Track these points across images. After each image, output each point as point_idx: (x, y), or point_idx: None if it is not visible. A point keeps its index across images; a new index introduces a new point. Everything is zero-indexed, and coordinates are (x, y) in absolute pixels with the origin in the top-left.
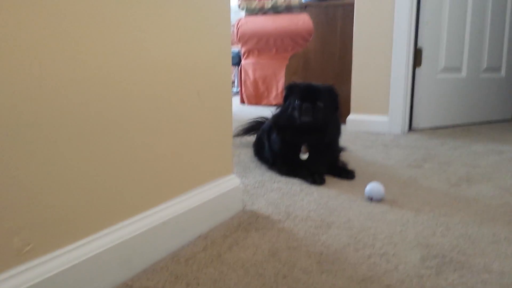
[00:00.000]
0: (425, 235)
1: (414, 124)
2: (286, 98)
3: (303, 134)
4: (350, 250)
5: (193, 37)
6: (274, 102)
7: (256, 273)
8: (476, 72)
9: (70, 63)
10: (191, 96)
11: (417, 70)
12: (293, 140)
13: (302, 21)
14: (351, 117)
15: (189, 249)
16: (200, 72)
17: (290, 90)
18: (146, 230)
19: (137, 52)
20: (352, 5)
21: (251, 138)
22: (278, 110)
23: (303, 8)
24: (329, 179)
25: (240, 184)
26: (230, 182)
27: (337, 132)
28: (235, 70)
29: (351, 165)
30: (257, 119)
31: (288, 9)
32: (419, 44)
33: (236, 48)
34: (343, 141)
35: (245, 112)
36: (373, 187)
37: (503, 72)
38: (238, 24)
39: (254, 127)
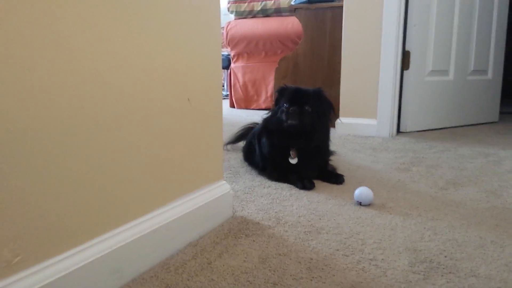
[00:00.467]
0: (413, 239)
1: (402, 127)
2: (277, 101)
3: (291, 138)
4: (340, 256)
5: (184, 42)
6: (263, 106)
7: (246, 281)
8: (463, 74)
9: (60, 68)
10: (181, 102)
11: (405, 73)
12: (281, 144)
13: (291, 24)
14: (340, 121)
15: (179, 257)
16: (190, 78)
17: (281, 94)
18: (136, 239)
19: (127, 58)
20: (341, 8)
21: (241, 143)
22: (269, 113)
23: (292, 11)
24: (318, 183)
25: (230, 190)
26: (220, 188)
27: (325, 137)
28: (224, 73)
29: (340, 169)
30: (249, 125)
31: (277, 12)
32: (407, 47)
33: (225, 52)
34: (332, 145)
35: (235, 116)
36: (362, 191)
37: (489, 74)
38: (227, 27)
39: (246, 133)
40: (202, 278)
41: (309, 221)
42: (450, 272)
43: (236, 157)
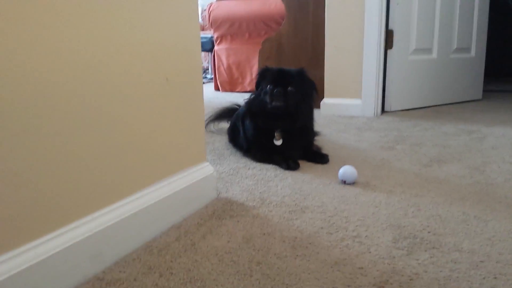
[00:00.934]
0: (397, 216)
1: (386, 107)
2: (258, 83)
3: (275, 120)
4: (324, 234)
5: (161, 20)
6: (248, 88)
7: (230, 261)
8: (447, 53)
9: (29, 45)
10: (160, 83)
11: (388, 52)
12: (265, 125)
13: (275, 4)
14: (325, 101)
15: (162, 239)
16: (168, 57)
17: (263, 75)
18: (117, 222)
19: (102, 34)
20: None
21: (226, 125)
22: (252, 96)
23: None
24: (303, 163)
25: (214, 172)
26: (204, 170)
27: (310, 117)
28: (208, 56)
29: (325, 149)
30: (230, 106)
31: None
32: (390, 26)
33: (209, 34)
34: (317, 125)
35: (220, 99)
36: (346, 170)
37: (473, 52)
38: (209, 8)
39: (226, 113)
40: (186, 259)
41: (294, 201)
42: (433, 247)
43: (220, 139)
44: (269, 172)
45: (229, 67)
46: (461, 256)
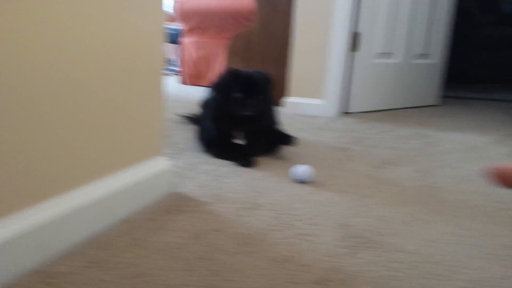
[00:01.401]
0: (346, 215)
1: (348, 108)
2: (223, 86)
3: (241, 124)
4: (274, 231)
5: (121, 10)
6: None
7: (177, 257)
8: (409, 58)
9: None
10: (118, 73)
11: (354, 54)
12: (231, 130)
13: (246, 1)
14: (289, 100)
15: (111, 234)
16: (129, 46)
17: (228, 79)
18: (64, 215)
19: (53, 24)
20: None
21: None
22: (212, 97)
23: None
24: (260, 161)
25: (170, 167)
26: (159, 164)
27: (273, 118)
28: (176, 48)
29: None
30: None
31: None
32: (358, 28)
33: (175, 26)
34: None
35: (186, 93)
36: (302, 169)
37: (434, 58)
38: (180, 0)
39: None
40: (133, 254)
41: (248, 198)
42: (377, 247)
43: (181, 133)
44: (226, 169)
45: (196, 61)
46: (403, 256)
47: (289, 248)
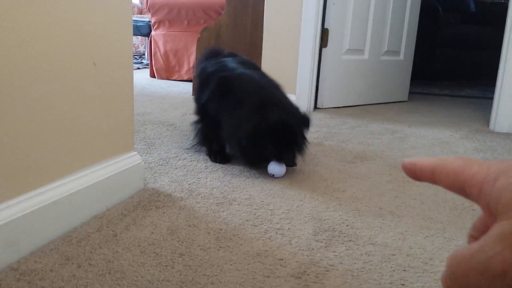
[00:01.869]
0: (319, 209)
1: (319, 104)
2: (253, 139)
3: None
4: (249, 226)
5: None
6: (185, 77)
7: (152, 253)
8: (378, 54)
9: None
10: (86, 66)
11: (323, 50)
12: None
13: None
14: None
15: (83, 230)
16: (97, 40)
17: (261, 132)
18: (34, 210)
19: (16, 12)
20: None
21: (159, 114)
22: (246, 140)
23: None
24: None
25: (141, 162)
26: (130, 159)
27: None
28: (145, 41)
29: None
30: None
31: None
32: (326, 25)
33: (146, 18)
34: None
35: (155, 87)
36: (275, 164)
37: (401, 55)
38: None
39: None
40: (106, 250)
41: (222, 193)
42: (350, 240)
43: (152, 128)
44: (200, 164)
45: (166, 54)
46: (374, 249)
47: (264, 243)
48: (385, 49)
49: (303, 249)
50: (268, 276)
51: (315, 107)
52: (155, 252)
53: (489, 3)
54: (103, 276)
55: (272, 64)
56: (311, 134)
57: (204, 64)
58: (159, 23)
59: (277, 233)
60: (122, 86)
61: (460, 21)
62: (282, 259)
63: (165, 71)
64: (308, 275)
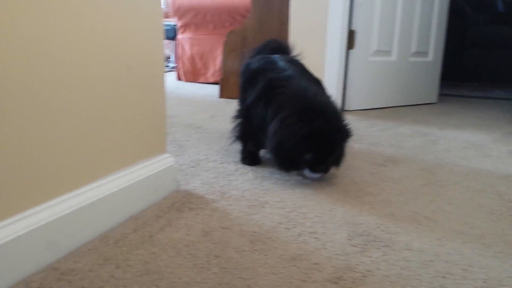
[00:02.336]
0: (352, 214)
1: (346, 106)
2: (290, 145)
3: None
4: (282, 229)
5: (121, 7)
6: (211, 80)
7: (188, 254)
8: (406, 56)
9: None
10: (120, 71)
11: (350, 52)
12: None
13: None
14: None
15: (119, 231)
16: (130, 45)
17: (300, 138)
18: (73, 211)
19: (59, 18)
20: None
21: (187, 116)
22: (276, 143)
23: None
24: (263, 158)
25: (174, 164)
26: (164, 161)
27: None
28: (172, 44)
29: None
30: None
31: None
32: (353, 26)
33: (172, 22)
34: None
35: (182, 90)
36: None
37: (430, 56)
38: None
39: None
40: (143, 251)
41: (254, 195)
42: (386, 245)
43: (181, 130)
44: (230, 166)
45: (192, 57)
46: (411, 255)
47: (298, 246)
48: (414, 50)
49: (338, 254)
50: (304, 281)
51: (343, 109)
52: (191, 254)
53: None
54: (141, 277)
55: None
56: None
57: (249, 61)
58: (185, 26)
59: (311, 236)
60: (155, 89)
61: (489, 21)
62: (317, 264)
63: (191, 74)
64: (345, 280)
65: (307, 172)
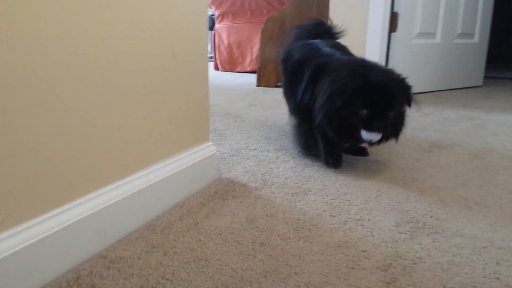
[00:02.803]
0: (399, 200)
1: None
2: (345, 96)
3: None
4: (327, 216)
5: None
6: (248, 69)
7: (233, 241)
8: (450, 38)
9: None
10: (167, 59)
11: (392, 35)
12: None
13: None
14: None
15: (165, 218)
16: (176, 33)
17: (354, 90)
18: (120, 200)
19: (108, 9)
20: None
21: (226, 105)
22: (327, 104)
23: None
24: None
25: (216, 152)
26: (207, 149)
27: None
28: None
29: None
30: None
31: None
32: (396, 8)
33: (209, 11)
34: None
35: (220, 79)
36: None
37: (476, 38)
38: None
39: None
40: (189, 239)
41: (296, 183)
42: (436, 232)
43: (220, 119)
44: (271, 154)
45: (229, 46)
46: (463, 241)
47: (344, 234)
48: (459, 32)
49: (386, 241)
50: (352, 268)
51: None
52: (236, 241)
53: None
54: (189, 264)
55: None
56: None
57: (290, 47)
58: (223, 15)
59: (357, 224)
60: (199, 78)
61: None
62: (365, 251)
63: (229, 63)
64: (395, 267)
65: (364, 133)
